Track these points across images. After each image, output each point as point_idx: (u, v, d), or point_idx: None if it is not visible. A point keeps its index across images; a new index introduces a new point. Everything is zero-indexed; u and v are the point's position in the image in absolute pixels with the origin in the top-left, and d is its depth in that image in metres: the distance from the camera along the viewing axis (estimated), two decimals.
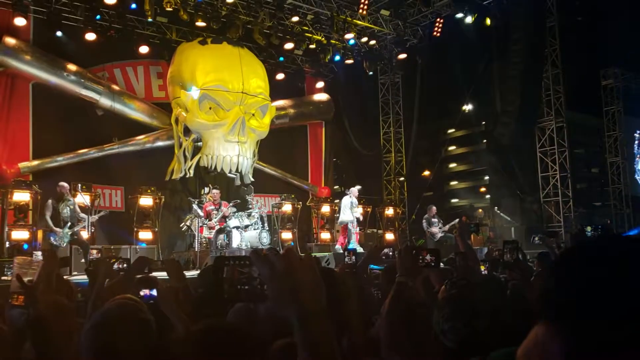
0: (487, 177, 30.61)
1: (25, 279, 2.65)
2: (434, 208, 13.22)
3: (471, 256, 4.18)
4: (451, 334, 2.26)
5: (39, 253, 8.83)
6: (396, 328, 2.04)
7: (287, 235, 13.42)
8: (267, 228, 11.96)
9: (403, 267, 2.42)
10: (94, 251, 6.15)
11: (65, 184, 9.84)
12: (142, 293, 2.81)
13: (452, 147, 33.98)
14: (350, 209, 12.05)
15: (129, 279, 3.52)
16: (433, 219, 12.86)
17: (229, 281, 1.11)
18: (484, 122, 21.35)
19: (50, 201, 9.70)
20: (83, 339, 1.83)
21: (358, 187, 12.74)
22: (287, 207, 13.72)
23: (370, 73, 15.82)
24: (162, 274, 4.16)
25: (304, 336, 1.00)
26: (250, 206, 11.99)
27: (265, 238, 11.53)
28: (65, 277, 5.21)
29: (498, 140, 15.98)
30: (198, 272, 9.51)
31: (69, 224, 9.57)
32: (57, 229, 9.45)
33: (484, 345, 2.00)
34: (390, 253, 4.10)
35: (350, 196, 12.25)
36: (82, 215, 9.80)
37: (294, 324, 1.00)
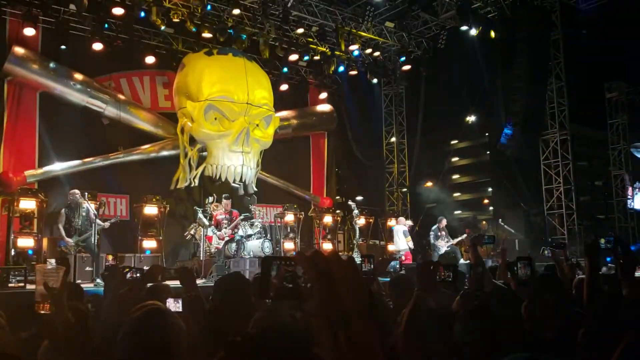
0: (490, 189, 30.62)
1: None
2: (445, 220, 13.21)
3: (482, 268, 4.20)
4: (473, 346, 2.29)
5: (53, 261, 8.84)
6: (415, 339, 2.06)
7: (289, 245, 13.43)
8: (270, 238, 11.97)
9: (422, 282, 2.45)
10: (110, 257, 6.17)
11: (77, 191, 9.85)
12: (168, 304, 2.84)
13: (455, 159, 33.99)
14: (405, 239, 12.80)
15: (141, 287, 3.55)
16: (442, 232, 12.88)
17: (276, 279, 1.14)
18: (487, 134, 21.40)
19: (63, 210, 9.75)
20: (119, 346, 1.86)
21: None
22: (290, 217, 13.74)
23: (375, 81, 15.90)
24: (173, 283, 4.18)
25: (349, 336, 1.01)
26: (253, 216, 12.01)
27: (268, 248, 11.56)
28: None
29: (502, 152, 16.00)
30: (203, 280, 9.59)
31: (78, 232, 9.57)
32: (68, 239, 9.49)
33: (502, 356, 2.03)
34: (398, 266, 4.12)
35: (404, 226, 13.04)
36: (99, 222, 9.81)
37: (338, 324, 1.02)
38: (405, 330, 2.07)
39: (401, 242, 13.04)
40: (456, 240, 13.08)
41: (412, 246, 13.13)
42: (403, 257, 12.71)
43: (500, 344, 2.19)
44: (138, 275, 4.12)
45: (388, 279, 5.09)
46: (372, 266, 4.73)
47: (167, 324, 1.90)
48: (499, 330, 2.25)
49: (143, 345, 1.82)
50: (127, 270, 3.91)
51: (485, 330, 2.23)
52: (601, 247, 3.70)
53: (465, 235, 13.36)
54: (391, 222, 15.52)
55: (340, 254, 1.16)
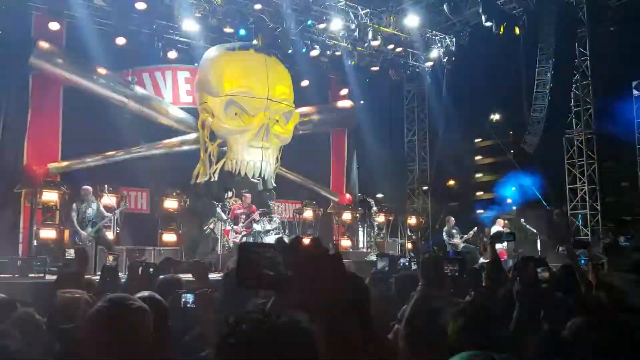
0: (513, 188, 30.18)
1: None
2: (453, 219, 13.34)
3: (498, 266, 4.13)
4: (468, 344, 2.23)
5: (72, 251, 8.97)
6: (416, 333, 2.02)
7: (307, 241, 13.38)
8: (288, 233, 11.98)
9: (426, 277, 2.41)
10: (111, 257, 6.20)
11: (89, 187, 9.98)
12: (183, 299, 2.84)
13: (478, 157, 33.58)
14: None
15: (152, 279, 3.57)
16: (453, 230, 12.89)
17: (253, 266, 1.09)
18: (511, 132, 21.08)
19: (74, 204, 9.87)
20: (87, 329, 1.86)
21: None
22: (309, 213, 13.72)
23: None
24: (186, 276, 4.19)
25: (327, 326, 0.98)
26: (272, 211, 12.03)
27: None
28: (87, 276, 5.29)
29: (525, 150, 15.76)
30: (220, 274, 9.63)
31: (91, 223, 9.69)
32: (82, 231, 9.60)
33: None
34: (407, 263, 4.07)
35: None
36: (107, 214, 9.92)
37: (316, 314, 0.99)
38: (406, 326, 2.02)
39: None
40: (470, 233, 13.19)
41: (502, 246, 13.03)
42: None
43: (500, 341, 2.12)
44: (151, 270, 4.14)
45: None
46: (387, 267, 4.68)
47: (129, 311, 1.89)
48: (499, 327, 2.19)
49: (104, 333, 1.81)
50: (141, 264, 3.94)
51: (481, 327, 2.17)
52: (620, 245, 3.60)
53: (475, 229, 13.34)
54: (411, 220, 15.43)
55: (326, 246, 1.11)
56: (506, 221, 17.53)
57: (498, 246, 12.52)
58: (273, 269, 1.08)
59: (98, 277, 4.86)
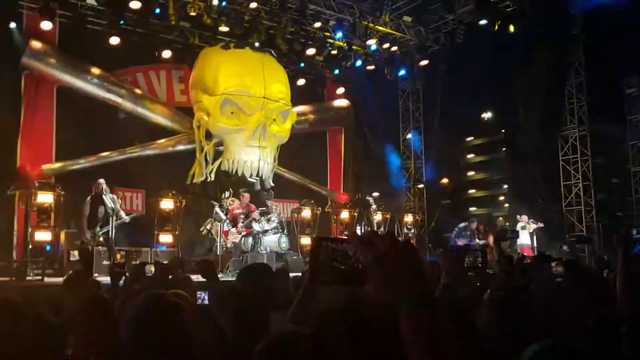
0: (506, 186, 30.33)
1: None
2: (475, 224, 13.46)
3: (512, 261, 4.13)
4: (499, 338, 2.19)
5: (76, 253, 8.82)
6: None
7: (306, 240, 13.37)
8: (287, 233, 11.92)
9: (448, 269, 2.37)
10: (119, 255, 6.13)
11: (102, 181, 9.70)
12: (198, 295, 2.78)
13: (471, 155, 33.72)
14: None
15: (161, 280, 3.50)
16: (466, 232, 12.92)
17: (325, 261, 1.03)
18: (504, 130, 21.14)
19: (88, 199, 9.66)
20: (123, 331, 1.81)
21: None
22: (307, 213, 13.67)
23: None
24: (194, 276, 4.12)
25: (416, 322, 0.94)
26: (270, 211, 11.96)
27: (285, 243, 11.51)
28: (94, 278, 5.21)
29: (519, 148, 15.82)
30: (220, 275, 9.55)
31: (101, 223, 9.52)
32: (87, 231, 9.44)
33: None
34: None
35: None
36: (123, 215, 9.77)
37: (404, 310, 0.94)
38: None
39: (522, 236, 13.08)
40: (461, 225, 13.36)
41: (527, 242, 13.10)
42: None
43: (528, 336, 2.09)
44: (156, 271, 4.06)
45: None
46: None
47: (168, 304, 1.85)
48: (527, 321, 2.15)
49: (148, 328, 1.76)
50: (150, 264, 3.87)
51: (514, 322, 2.13)
52: (633, 238, 3.57)
53: (466, 223, 13.51)
54: (408, 218, 15.43)
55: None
56: (501, 218, 17.62)
57: (523, 241, 12.65)
58: (344, 262, 1.03)
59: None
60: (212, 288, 2.93)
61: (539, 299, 3.18)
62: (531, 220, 13.43)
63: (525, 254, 12.49)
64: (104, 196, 9.58)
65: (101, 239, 9.47)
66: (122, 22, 12.08)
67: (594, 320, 3.29)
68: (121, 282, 3.45)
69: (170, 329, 1.79)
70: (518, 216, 13.87)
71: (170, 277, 3.95)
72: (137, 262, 5.50)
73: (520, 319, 2.22)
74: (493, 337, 2.21)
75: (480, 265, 2.75)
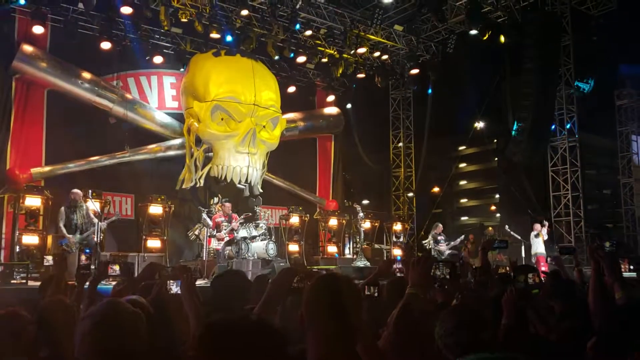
0: (497, 196, 30.41)
1: None
2: (441, 226, 13.74)
3: (489, 271, 4.17)
4: (454, 347, 2.23)
5: (50, 257, 8.90)
6: (402, 338, 2.02)
7: (293, 247, 13.38)
8: (274, 239, 11.95)
9: (414, 279, 2.40)
10: (84, 257, 6.08)
11: (78, 191, 9.90)
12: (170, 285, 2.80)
13: (462, 165, 33.75)
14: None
15: (135, 285, 3.52)
16: (439, 237, 13.18)
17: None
18: (495, 140, 21.21)
19: (62, 208, 9.77)
20: (79, 336, 1.83)
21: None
22: (295, 219, 13.71)
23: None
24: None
25: None
26: (258, 217, 11.98)
27: (272, 249, 11.50)
28: (70, 282, 5.21)
29: (509, 158, 15.88)
30: (205, 281, 9.56)
31: (79, 230, 9.61)
32: (69, 236, 9.50)
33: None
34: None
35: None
36: (95, 220, 9.83)
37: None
38: (393, 329, 2.02)
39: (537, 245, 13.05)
40: (457, 240, 13.55)
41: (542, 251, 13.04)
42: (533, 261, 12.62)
43: (485, 344, 2.12)
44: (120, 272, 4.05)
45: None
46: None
47: (123, 312, 1.87)
48: (485, 330, 2.19)
49: (100, 335, 1.78)
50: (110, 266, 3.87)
51: (469, 330, 2.17)
52: (606, 250, 3.62)
53: (462, 237, 13.57)
54: (397, 227, 15.47)
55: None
56: (490, 228, 17.67)
57: (539, 250, 12.56)
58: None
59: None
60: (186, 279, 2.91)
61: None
62: (543, 228, 13.40)
63: (541, 263, 12.51)
64: (80, 205, 9.74)
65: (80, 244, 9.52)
66: (113, 26, 12.09)
67: (559, 331, 3.35)
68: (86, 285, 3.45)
69: (125, 336, 1.81)
70: (535, 224, 13.76)
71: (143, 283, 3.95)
72: (102, 261, 5.50)
73: (475, 329, 2.26)
74: (448, 344, 2.25)
75: (449, 276, 2.79)
